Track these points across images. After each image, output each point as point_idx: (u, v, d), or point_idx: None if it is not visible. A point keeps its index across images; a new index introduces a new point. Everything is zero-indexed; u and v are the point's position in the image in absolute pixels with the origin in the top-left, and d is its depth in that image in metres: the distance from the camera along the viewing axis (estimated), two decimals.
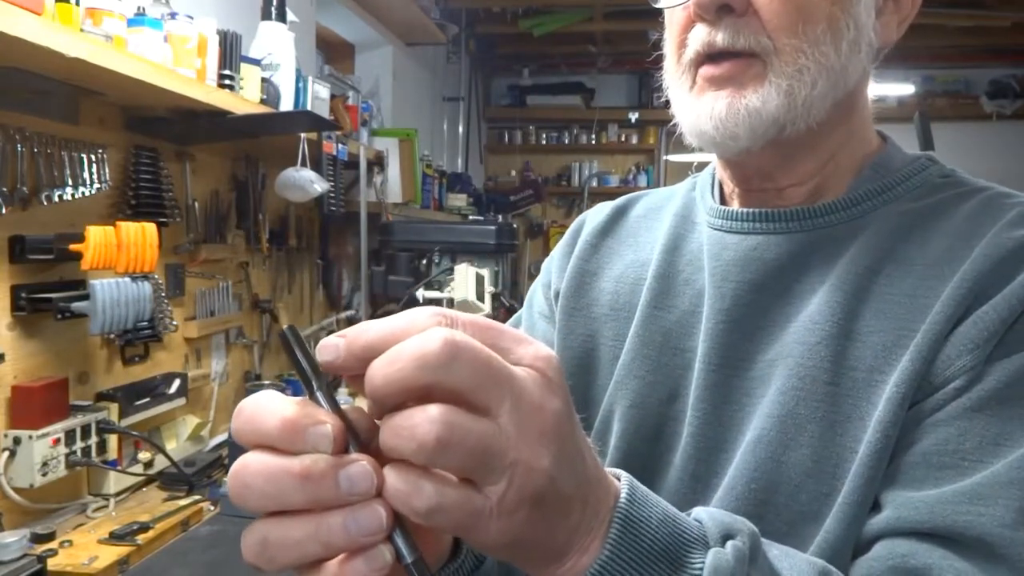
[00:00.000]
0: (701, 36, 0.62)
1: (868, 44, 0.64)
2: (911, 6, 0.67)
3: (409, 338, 0.35)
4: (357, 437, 0.37)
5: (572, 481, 0.39)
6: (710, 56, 0.63)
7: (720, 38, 0.61)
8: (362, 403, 0.39)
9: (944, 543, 0.51)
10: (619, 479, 0.43)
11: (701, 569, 0.41)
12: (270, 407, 0.37)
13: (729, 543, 0.43)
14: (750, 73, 0.62)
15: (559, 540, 0.39)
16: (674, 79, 0.67)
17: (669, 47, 0.68)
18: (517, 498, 0.36)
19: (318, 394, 0.37)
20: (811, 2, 0.60)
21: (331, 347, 0.37)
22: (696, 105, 0.64)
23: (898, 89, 5.42)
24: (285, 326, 0.38)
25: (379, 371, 0.35)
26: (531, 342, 0.39)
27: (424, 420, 0.34)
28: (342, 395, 2.10)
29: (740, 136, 0.62)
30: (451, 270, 2.59)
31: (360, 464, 0.35)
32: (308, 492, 0.35)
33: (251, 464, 0.36)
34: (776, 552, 0.47)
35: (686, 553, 0.42)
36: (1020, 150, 5.37)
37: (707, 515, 0.45)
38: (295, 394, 0.39)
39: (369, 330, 0.37)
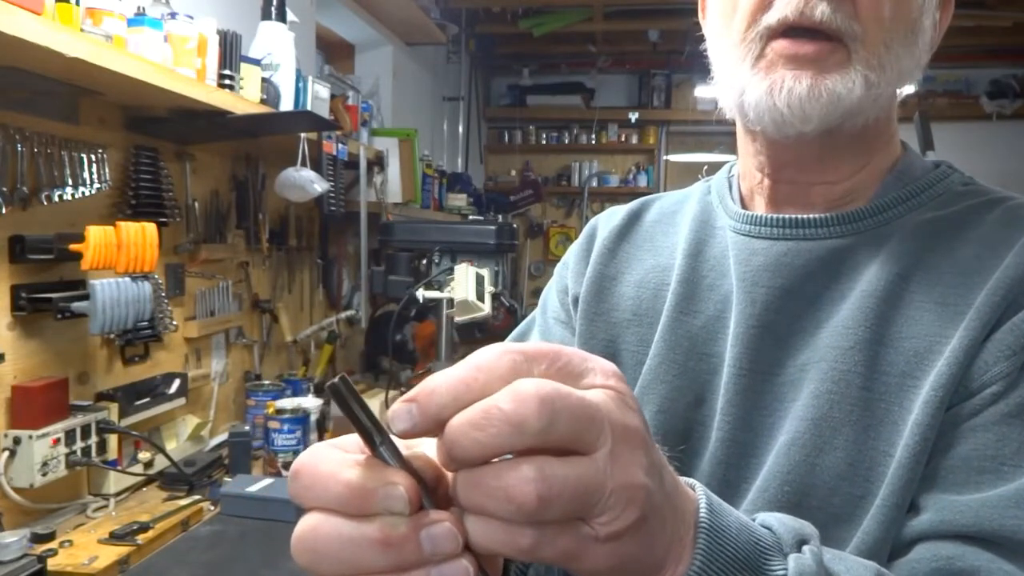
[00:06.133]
0: (795, 2, 0.59)
1: (927, 51, 0.64)
2: (949, 16, 0.68)
3: (496, 396, 0.34)
4: (426, 486, 0.35)
5: (662, 490, 0.38)
6: (791, 30, 0.60)
7: (820, 11, 0.58)
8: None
9: (990, 546, 0.51)
10: (693, 488, 0.43)
11: (784, 574, 0.41)
12: (331, 469, 0.35)
13: (806, 548, 0.43)
14: (834, 59, 0.60)
15: (659, 552, 0.39)
16: (731, 49, 0.64)
17: (734, 16, 0.63)
18: (623, 523, 0.36)
19: (381, 449, 0.35)
20: (907, 0, 0.60)
21: (404, 415, 0.35)
22: (765, 81, 0.61)
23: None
24: (336, 377, 0.35)
25: (466, 434, 0.33)
26: (593, 358, 0.38)
27: (519, 481, 0.33)
28: None
29: (813, 119, 0.60)
30: (451, 270, 2.58)
31: (443, 525, 0.34)
32: (390, 558, 0.34)
33: (321, 529, 0.35)
34: (828, 556, 0.47)
35: (765, 560, 0.42)
36: (1020, 150, 5.36)
37: (776, 521, 0.45)
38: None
39: (440, 387, 0.35)
